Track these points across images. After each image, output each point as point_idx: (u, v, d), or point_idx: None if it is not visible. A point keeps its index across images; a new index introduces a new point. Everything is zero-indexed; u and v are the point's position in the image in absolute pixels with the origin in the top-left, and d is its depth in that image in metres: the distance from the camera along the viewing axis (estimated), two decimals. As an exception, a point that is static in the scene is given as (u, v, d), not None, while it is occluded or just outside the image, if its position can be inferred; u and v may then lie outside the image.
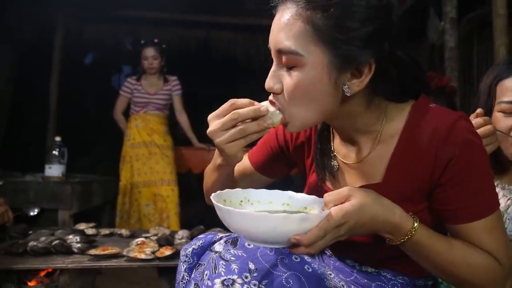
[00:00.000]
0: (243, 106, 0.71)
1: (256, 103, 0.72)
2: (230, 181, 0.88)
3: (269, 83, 0.71)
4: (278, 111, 0.71)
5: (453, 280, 0.71)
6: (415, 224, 0.66)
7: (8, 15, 3.59)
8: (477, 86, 3.50)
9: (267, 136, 0.95)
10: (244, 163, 0.96)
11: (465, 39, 3.29)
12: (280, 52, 0.68)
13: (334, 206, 0.63)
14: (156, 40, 3.13)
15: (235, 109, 0.71)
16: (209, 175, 0.88)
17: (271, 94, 0.73)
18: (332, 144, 0.84)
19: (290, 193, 0.76)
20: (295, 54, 0.66)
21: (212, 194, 0.68)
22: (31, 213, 1.70)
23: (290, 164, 0.96)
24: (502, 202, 1.08)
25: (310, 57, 0.66)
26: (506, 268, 0.70)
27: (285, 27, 0.68)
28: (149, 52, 3.04)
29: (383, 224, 0.65)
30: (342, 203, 0.63)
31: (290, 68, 0.68)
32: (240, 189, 0.75)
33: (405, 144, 0.73)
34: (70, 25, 4.12)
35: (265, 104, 0.73)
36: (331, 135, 0.85)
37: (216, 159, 0.82)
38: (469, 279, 0.69)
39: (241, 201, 0.74)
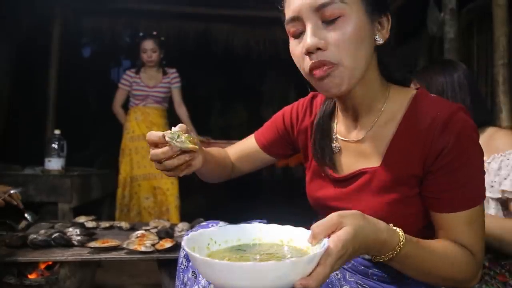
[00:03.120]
0: (151, 140, 0.72)
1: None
2: (217, 170, 0.93)
3: (313, 40, 0.70)
4: (176, 128, 0.71)
5: (436, 280, 0.72)
6: (402, 238, 0.65)
7: (5, 7, 3.56)
8: (477, 76, 3.50)
9: (275, 117, 1.01)
10: (249, 143, 1.03)
11: (465, 30, 3.28)
12: (322, 6, 0.69)
13: (325, 237, 0.58)
14: (154, 33, 3.10)
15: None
16: None
17: (310, 58, 0.71)
18: (335, 126, 0.87)
19: (259, 225, 0.68)
20: (339, 3, 0.69)
21: (183, 245, 0.62)
22: (12, 191, 1.70)
23: (294, 147, 1.00)
24: None
25: (352, 5, 0.70)
26: (480, 262, 0.73)
27: None
28: (148, 44, 3.02)
29: (373, 243, 0.62)
30: (333, 231, 0.58)
31: (331, 21, 0.70)
32: (203, 229, 0.68)
33: (404, 129, 0.75)
34: (67, 18, 4.09)
35: (169, 131, 0.71)
36: (335, 118, 0.88)
37: None
38: (452, 277, 0.71)
39: (208, 244, 0.65)
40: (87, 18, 4.27)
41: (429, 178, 0.73)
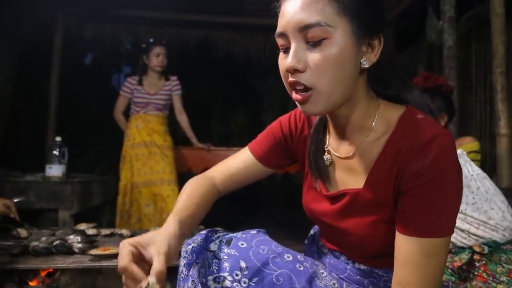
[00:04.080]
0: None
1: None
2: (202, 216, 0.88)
3: (292, 62, 0.70)
4: (154, 281, 0.67)
5: None
6: None
7: (8, 14, 3.59)
8: (475, 84, 3.52)
9: (271, 128, 0.97)
10: (243, 157, 0.98)
11: (463, 38, 3.30)
12: (306, 27, 0.68)
13: None
14: (163, 41, 3.14)
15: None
16: None
17: (291, 76, 0.71)
18: (327, 138, 0.87)
19: None
20: (325, 26, 0.68)
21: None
22: (16, 199, 1.72)
23: (292, 156, 0.97)
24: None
25: (337, 27, 0.68)
26: None
27: (308, 5, 0.69)
28: (161, 49, 3.04)
29: None
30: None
31: (315, 44, 0.69)
32: None
33: (388, 150, 0.74)
34: (69, 25, 4.12)
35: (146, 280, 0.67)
36: (327, 131, 0.87)
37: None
38: None
39: None
40: (88, 25, 4.30)
41: (399, 199, 0.71)
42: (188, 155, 3.37)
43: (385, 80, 0.78)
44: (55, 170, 2.57)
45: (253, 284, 0.70)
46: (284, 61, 0.72)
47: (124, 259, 0.67)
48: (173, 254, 0.70)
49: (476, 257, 1.15)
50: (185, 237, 0.78)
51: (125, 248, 0.69)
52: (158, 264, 0.66)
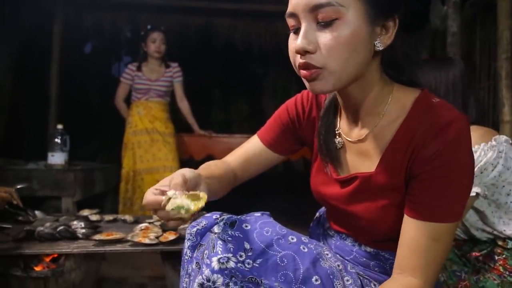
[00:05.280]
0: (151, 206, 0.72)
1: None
2: (220, 190, 0.90)
3: (302, 43, 0.68)
4: (173, 192, 0.69)
5: None
6: None
7: (7, 3, 3.56)
8: (479, 71, 3.49)
9: (278, 113, 0.97)
10: (252, 145, 0.98)
11: (468, 23, 3.26)
12: (317, 7, 0.66)
13: None
14: (162, 28, 3.13)
15: None
16: None
17: (301, 57, 0.70)
18: (338, 121, 0.86)
19: None
20: (336, 6, 0.66)
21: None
22: (19, 186, 1.75)
23: (301, 140, 0.97)
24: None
25: (350, 8, 0.66)
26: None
27: None
28: (158, 35, 3.04)
29: None
30: None
31: (326, 24, 0.67)
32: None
33: (402, 134, 0.73)
34: (69, 13, 4.08)
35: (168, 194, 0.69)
36: (338, 113, 0.86)
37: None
38: None
39: None
40: (88, 13, 4.26)
41: (411, 182, 0.71)
42: (190, 142, 3.37)
43: (399, 64, 0.76)
44: (57, 158, 2.58)
45: (257, 265, 0.71)
46: (294, 42, 0.71)
47: (146, 198, 0.72)
48: (192, 182, 0.74)
49: (497, 250, 1.13)
50: (205, 181, 0.79)
51: (147, 193, 0.73)
52: (173, 179, 0.71)
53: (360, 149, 0.80)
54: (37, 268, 1.35)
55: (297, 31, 0.72)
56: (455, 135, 0.66)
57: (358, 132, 0.80)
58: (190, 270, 0.78)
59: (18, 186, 1.73)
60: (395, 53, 0.75)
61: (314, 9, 0.67)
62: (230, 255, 0.71)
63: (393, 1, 0.70)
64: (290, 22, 0.72)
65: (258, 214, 0.82)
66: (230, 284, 0.70)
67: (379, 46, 0.70)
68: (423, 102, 0.73)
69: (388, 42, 0.71)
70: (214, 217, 0.82)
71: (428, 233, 0.67)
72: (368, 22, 0.68)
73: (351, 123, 0.82)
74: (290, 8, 0.71)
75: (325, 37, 0.67)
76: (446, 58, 1.28)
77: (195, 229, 0.80)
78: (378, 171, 0.75)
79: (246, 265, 0.70)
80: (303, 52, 0.69)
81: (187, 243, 0.81)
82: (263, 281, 0.69)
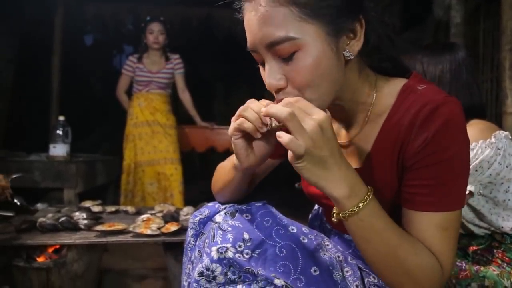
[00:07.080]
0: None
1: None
2: (241, 188, 0.84)
3: (270, 81, 0.65)
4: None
5: (394, 270, 0.64)
6: (370, 192, 0.62)
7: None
8: (482, 63, 3.46)
9: None
10: None
11: (471, 14, 3.23)
12: (273, 45, 0.63)
13: None
14: (162, 18, 3.10)
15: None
16: (223, 173, 0.85)
17: (275, 93, 0.68)
18: None
19: None
20: (292, 40, 0.62)
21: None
22: (14, 175, 1.72)
23: None
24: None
25: (307, 35, 0.62)
26: (446, 274, 0.65)
27: (267, 20, 0.63)
28: (156, 26, 3.01)
29: (346, 172, 0.60)
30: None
31: (288, 57, 0.64)
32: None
33: (388, 128, 0.70)
34: (70, 4, 4.06)
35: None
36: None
37: (232, 157, 0.80)
38: (413, 274, 0.63)
39: None
40: (89, 5, 4.24)
41: (405, 174, 0.68)
42: (191, 134, 3.37)
43: (378, 51, 0.71)
44: (59, 150, 2.58)
45: (255, 255, 0.71)
46: (265, 78, 0.68)
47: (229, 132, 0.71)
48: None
49: (494, 244, 1.12)
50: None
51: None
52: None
53: (350, 150, 0.78)
54: (40, 259, 1.36)
55: (263, 64, 0.69)
56: (443, 121, 0.63)
57: (347, 134, 0.79)
58: (193, 258, 0.80)
59: (13, 176, 1.72)
60: (371, 48, 0.70)
61: (270, 46, 0.64)
62: (229, 245, 0.71)
63: (351, 5, 0.65)
64: (255, 56, 0.70)
65: (259, 204, 0.82)
66: (229, 273, 0.70)
67: (349, 56, 0.66)
68: (408, 90, 0.70)
69: (357, 48, 0.67)
70: (216, 206, 0.83)
71: (436, 222, 0.64)
72: (331, 40, 0.64)
73: (340, 125, 0.81)
74: (249, 44, 0.68)
75: (290, 72, 0.64)
76: (448, 44, 1.24)
77: (197, 218, 0.81)
78: (367, 169, 0.73)
79: (245, 255, 0.70)
80: (276, 90, 0.67)
81: (190, 232, 0.82)
82: (259, 272, 0.70)
